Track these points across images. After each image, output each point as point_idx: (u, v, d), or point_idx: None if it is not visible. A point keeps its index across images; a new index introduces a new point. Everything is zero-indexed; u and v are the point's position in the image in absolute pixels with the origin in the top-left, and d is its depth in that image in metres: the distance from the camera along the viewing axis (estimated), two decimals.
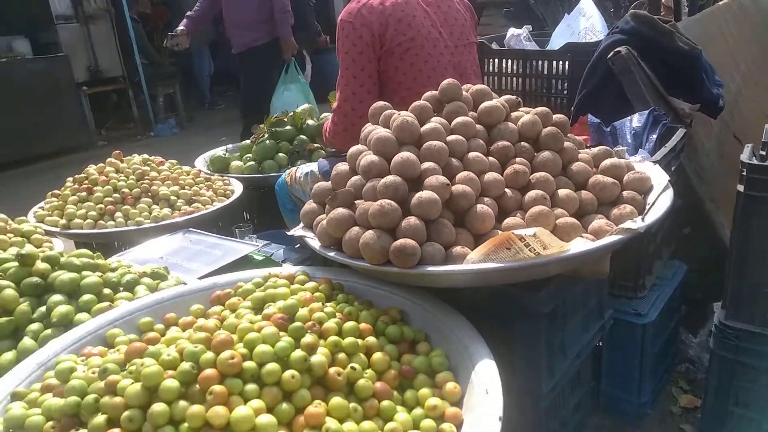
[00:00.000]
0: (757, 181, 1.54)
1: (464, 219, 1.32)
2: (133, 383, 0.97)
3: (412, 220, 1.24)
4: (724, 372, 1.77)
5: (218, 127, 7.41)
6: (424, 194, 1.25)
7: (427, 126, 1.42)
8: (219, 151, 3.32)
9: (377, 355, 1.16)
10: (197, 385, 0.97)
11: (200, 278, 1.76)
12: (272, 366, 1.02)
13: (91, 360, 1.15)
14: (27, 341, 1.34)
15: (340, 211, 1.34)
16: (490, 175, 1.37)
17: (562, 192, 1.39)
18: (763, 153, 1.63)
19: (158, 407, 0.93)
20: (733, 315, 1.71)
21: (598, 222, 1.34)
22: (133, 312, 1.37)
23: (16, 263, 1.50)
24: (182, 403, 0.95)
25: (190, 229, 2.32)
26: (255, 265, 2.02)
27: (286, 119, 3.25)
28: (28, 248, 1.70)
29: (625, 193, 1.43)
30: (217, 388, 0.95)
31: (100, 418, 0.95)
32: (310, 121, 3.24)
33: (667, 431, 2.12)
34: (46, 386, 1.11)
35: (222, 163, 3.16)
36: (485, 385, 1.06)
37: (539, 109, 1.55)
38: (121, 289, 1.57)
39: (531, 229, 1.13)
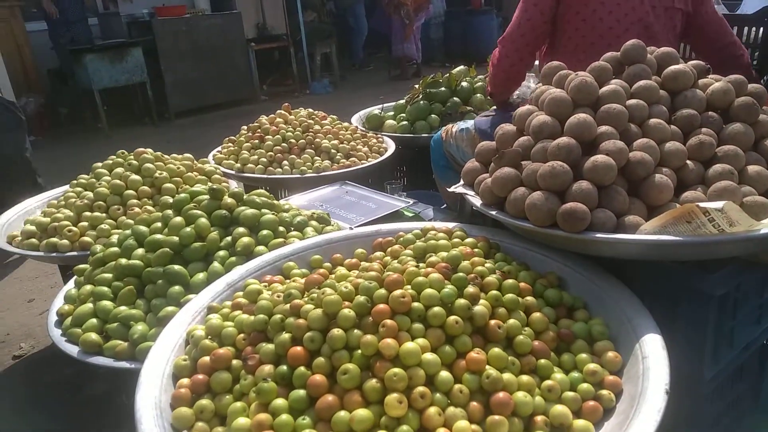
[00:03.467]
0: None
1: (639, 188, 1.26)
2: (315, 308, 1.08)
3: (584, 184, 1.21)
4: None
5: (367, 88, 7.62)
6: (600, 158, 1.22)
7: (606, 88, 1.36)
8: (375, 110, 3.44)
9: (536, 315, 1.17)
10: (370, 318, 1.06)
11: (359, 226, 1.88)
12: (438, 309, 1.07)
13: (275, 286, 1.29)
14: (216, 265, 1.53)
15: (507, 170, 1.35)
16: (672, 144, 1.28)
17: (752, 168, 1.27)
18: None
19: (337, 332, 1.03)
20: None
21: None
22: (305, 249, 1.50)
23: (208, 196, 1.69)
24: (357, 331, 1.04)
25: (346, 181, 2.46)
26: (405, 220, 2.11)
27: (441, 80, 3.27)
28: (216, 185, 1.91)
29: None
30: (389, 322, 1.03)
31: (285, 336, 1.07)
32: (464, 84, 3.23)
33: None
34: (236, 304, 1.26)
35: (377, 121, 3.28)
36: (651, 358, 1.03)
37: (732, 76, 1.41)
38: (293, 228, 1.72)
39: (719, 203, 1.06)
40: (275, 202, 1.79)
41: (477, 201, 1.47)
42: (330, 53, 8.18)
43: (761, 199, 1.21)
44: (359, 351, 1.02)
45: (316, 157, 2.69)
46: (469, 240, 1.44)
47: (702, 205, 1.07)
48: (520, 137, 1.45)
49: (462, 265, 1.24)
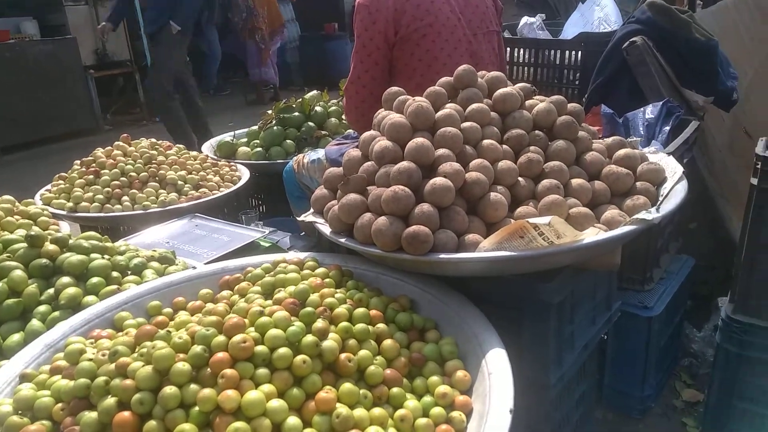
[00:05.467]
0: None
1: (477, 207, 1.30)
2: (144, 366, 0.96)
3: (425, 206, 1.23)
4: (730, 366, 1.76)
5: (223, 114, 7.37)
6: (438, 181, 1.24)
7: (441, 112, 1.40)
8: (226, 137, 3.31)
9: (387, 342, 1.15)
10: (208, 369, 0.97)
11: (207, 263, 1.76)
12: (284, 350, 1.01)
13: (101, 342, 1.15)
14: (35, 323, 1.34)
15: (353, 196, 1.33)
16: (504, 163, 1.35)
17: (576, 182, 1.38)
18: None
19: (169, 390, 0.93)
20: (741, 309, 1.70)
21: (611, 212, 1.32)
22: (141, 295, 1.36)
23: (25, 245, 1.49)
24: (193, 386, 0.94)
25: (197, 214, 2.32)
26: (261, 251, 2.02)
27: (294, 105, 3.23)
28: (36, 230, 1.70)
29: (638, 184, 1.41)
30: (229, 371, 0.95)
31: (110, 401, 0.94)
32: (318, 108, 3.22)
33: (670, 425, 2.12)
34: (55, 368, 1.10)
35: (229, 149, 3.16)
36: (496, 374, 1.05)
37: (554, 97, 1.53)
38: (129, 272, 1.56)
39: (546, 218, 1.12)
40: (109, 244, 1.62)
41: (326, 229, 1.44)
42: None
43: (584, 210, 1.31)
44: (197, 408, 0.92)
45: (161, 190, 2.50)
46: (320, 270, 1.40)
47: (531, 220, 1.13)
48: (366, 162, 1.45)
49: (310, 298, 1.20)
